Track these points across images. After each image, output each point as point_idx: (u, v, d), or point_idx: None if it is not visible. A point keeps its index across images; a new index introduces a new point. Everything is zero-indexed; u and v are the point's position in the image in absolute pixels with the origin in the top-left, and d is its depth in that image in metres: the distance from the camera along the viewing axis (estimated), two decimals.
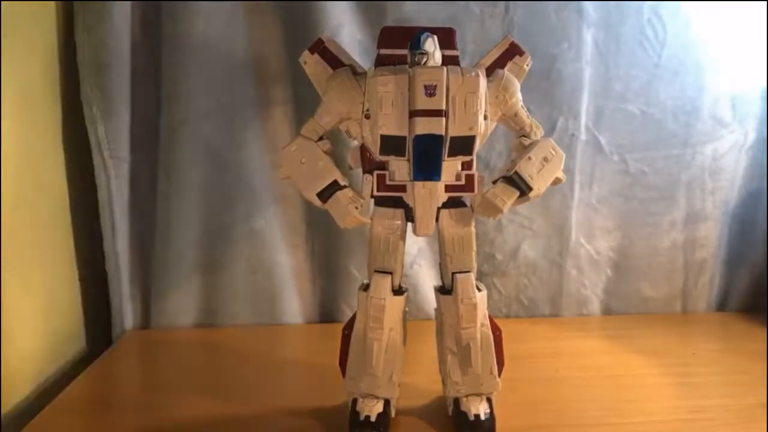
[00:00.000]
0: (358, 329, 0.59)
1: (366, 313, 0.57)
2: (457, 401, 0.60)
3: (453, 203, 0.57)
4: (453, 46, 0.57)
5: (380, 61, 0.57)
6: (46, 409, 0.64)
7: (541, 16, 0.84)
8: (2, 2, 0.63)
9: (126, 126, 0.81)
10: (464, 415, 0.58)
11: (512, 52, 0.58)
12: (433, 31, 0.55)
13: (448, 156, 0.54)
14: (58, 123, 0.77)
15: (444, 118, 0.52)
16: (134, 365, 0.80)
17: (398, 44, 0.56)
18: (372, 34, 0.80)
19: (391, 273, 0.58)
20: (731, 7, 0.86)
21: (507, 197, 0.55)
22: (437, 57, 0.54)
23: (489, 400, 0.59)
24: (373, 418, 0.57)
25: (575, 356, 0.79)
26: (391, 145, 0.54)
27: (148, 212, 0.85)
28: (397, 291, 0.59)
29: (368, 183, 0.57)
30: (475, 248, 0.58)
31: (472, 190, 0.57)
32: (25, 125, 0.69)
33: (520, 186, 0.55)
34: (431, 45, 0.53)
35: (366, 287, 0.58)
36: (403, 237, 0.58)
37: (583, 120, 0.87)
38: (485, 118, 0.55)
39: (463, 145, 0.54)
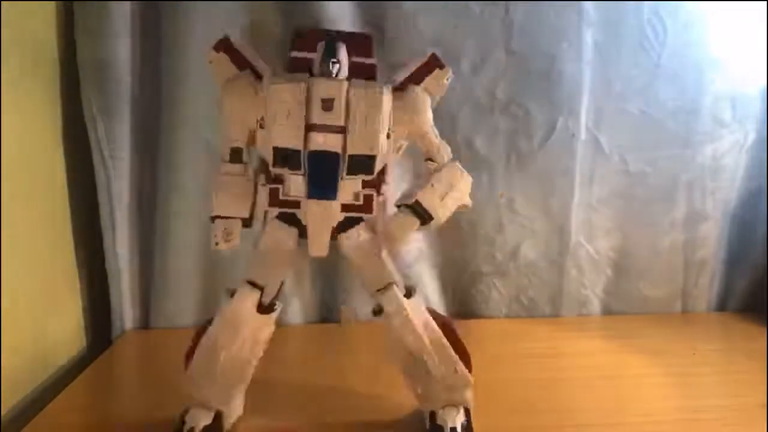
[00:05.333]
0: (210, 333, 0.55)
1: (222, 319, 0.55)
2: (433, 414, 0.57)
3: (351, 223, 0.54)
4: (369, 54, 0.53)
5: (291, 65, 0.53)
6: (46, 410, 0.63)
7: (541, 16, 0.83)
8: (2, 2, 0.63)
9: (126, 126, 0.81)
10: (440, 428, 0.56)
11: (432, 65, 0.54)
12: (350, 36, 0.53)
13: (347, 174, 0.51)
14: (58, 123, 0.77)
15: (342, 135, 0.50)
16: (134, 366, 0.80)
17: (311, 47, 0.52)
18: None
19: (262, 288, 0.55)
20: (731, 7, 0.85)
21: (408, 228, 0.54)
22: (345, 67, 0.51)
23: (467, 411, 0.58)
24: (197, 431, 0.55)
25: (575, 356, 0.79)
26: (285, 157, 0.50)
27: (148, 212, 0.85)
28: (266, 309, 0.55)
29: (262, 197, 0.54)
30: (386, 259, 0.55)
31: (370, 212, 0.54)
32: (25, 125, 0.69)
33: (422, 215, 0.54)
34: (344, 54, 0.51)
35: (233, 293, 0.55)
36: (291, 257, 0.55)
37: (583, 120, 0.87)
38: (388, 136, 0.52)
39: (363, 165, 0.51)
